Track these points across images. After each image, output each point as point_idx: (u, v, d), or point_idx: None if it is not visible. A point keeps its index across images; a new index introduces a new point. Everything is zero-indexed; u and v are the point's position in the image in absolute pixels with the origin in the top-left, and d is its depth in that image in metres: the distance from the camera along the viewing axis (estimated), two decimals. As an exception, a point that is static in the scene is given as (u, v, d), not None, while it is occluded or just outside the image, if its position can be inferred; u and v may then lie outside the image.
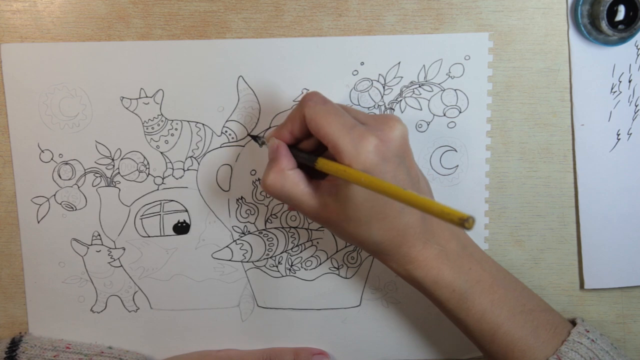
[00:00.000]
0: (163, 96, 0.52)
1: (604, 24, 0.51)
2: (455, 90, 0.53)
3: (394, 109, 0.53)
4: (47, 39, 0.52)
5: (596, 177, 0.55)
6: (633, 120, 0.54)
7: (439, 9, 0.53)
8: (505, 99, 0.54)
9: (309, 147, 0.47)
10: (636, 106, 0.54)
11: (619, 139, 0.54)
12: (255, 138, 0.53)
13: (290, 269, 0.55)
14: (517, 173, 0.55)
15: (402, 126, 0.45)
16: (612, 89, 0.53)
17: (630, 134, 0.54)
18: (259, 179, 0.54)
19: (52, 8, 0.52)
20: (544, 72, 0.54)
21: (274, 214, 0.54)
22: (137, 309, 0.55)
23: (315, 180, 0.46)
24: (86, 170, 0.53)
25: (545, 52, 0.54)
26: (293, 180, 0.45)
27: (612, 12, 0.51)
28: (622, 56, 0.53)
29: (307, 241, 0.55)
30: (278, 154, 0.46)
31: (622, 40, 0.52)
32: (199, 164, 0.53)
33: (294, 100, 0.53)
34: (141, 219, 0.54)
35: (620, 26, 0.51)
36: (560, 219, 0.56)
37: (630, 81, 0.53)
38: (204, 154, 0.53)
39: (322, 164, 0.45)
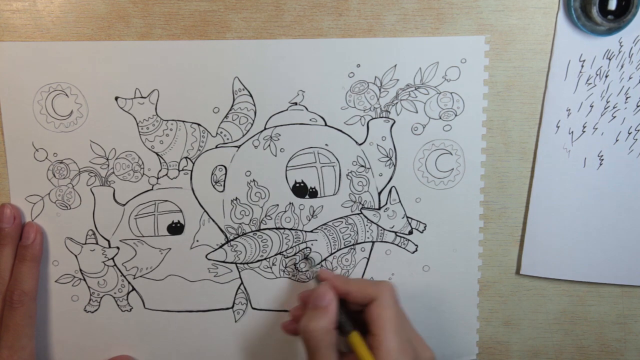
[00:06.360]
0: (158, 96, 0.52)
1: (594, 10, 0.50)
2: (451, 93, 0.53)
3: (389, 112, 0.53)
4: (46, 38, 0.52)
5: (553, 169, 0.54)
6: (601, 116, 0.53)
7: (439, 8, 0.52)
8: (505, 99, 0.54)
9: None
10: (607, 102, 0.53)
11: (584, 132, 0.53)
12: (307, 259, 0.54)
13: (284, 271, 0.55)
14: (517, 173, 0.55)
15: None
16: (587, 80, 0.53)
17: (596, 129, 0.53)
18: (254, 180, 0.54)
19: (52, 7, 0.52)
20: (544, 72, 0.53)
21: (269, 215, 0.54)
22: (130, 309, 0.55)
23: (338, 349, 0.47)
24: (81, 170, 0.53)
25: (546, 51, 0.53)
26: (332, 340, 0.46)
27: (604, 0, 0.51)
28: (604, 50, 0.52)
29: (302, 243, 0.55)
30: (332, 308, 0.48)
31: (609, 32, 0.51)
32: (193, 164, 0.53)
33: (289, 102, 0.53)
34: (135, 218, 0.54)
35: (609, 16, 0.51)
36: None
37: (606, 76, 0.53)
38: (199, 155, 0.53)
39: (355, 339, 0.47)
